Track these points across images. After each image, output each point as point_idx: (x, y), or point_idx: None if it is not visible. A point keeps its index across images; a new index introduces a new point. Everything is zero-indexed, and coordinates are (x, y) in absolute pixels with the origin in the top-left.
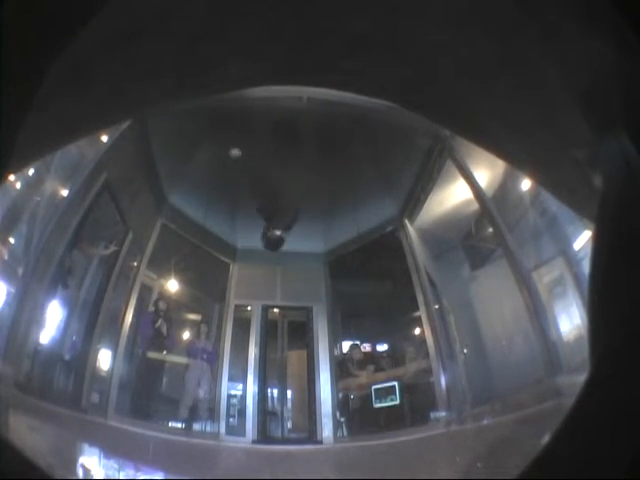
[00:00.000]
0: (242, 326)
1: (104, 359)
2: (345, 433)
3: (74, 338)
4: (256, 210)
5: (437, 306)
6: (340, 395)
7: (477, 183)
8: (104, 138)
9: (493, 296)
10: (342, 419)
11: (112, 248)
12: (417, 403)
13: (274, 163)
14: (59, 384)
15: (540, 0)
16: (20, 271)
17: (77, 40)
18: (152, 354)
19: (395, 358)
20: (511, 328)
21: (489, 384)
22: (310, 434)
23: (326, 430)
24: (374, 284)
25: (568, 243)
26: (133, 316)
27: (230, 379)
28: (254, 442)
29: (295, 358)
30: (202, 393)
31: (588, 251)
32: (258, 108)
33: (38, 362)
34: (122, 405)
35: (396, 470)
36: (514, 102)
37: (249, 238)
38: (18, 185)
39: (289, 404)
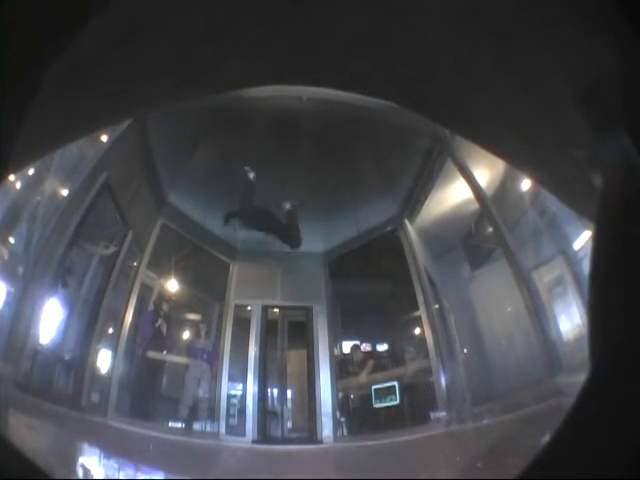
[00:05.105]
0: (242, 326)
1: (104, 359)
2: (345, 433)
3: (74, 338)
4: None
5: (437, 306)
6: (340, 395)
7: (477, 183)
8: (104, 138)
9: (493, 296)
10: (342, 419)
11: (112, 248)
12: (417, 403)
13: (274, 163)
14: (59, 384)
15: (540, 0)
16: (20, 271)
17: (77, 40)
18: (152, 354)
19: (395, 358)
20: (511, 328)
21: (489, 384)
22: (310, 434)
23: (326, 430)
24: (374, 284)
25: (568, 243)
26: (133, 316)
27: (230, 379)
28: (254, 442)
29: (295, 358)
30: (202, 393)
31: (588, 251)
32: (258, 108)
33: (38, 362)
34: (122, 405)
35: (396, 470)
36: (514, 102)
37: (249, 238)
38: (18, 185)
39: (289, 404)
